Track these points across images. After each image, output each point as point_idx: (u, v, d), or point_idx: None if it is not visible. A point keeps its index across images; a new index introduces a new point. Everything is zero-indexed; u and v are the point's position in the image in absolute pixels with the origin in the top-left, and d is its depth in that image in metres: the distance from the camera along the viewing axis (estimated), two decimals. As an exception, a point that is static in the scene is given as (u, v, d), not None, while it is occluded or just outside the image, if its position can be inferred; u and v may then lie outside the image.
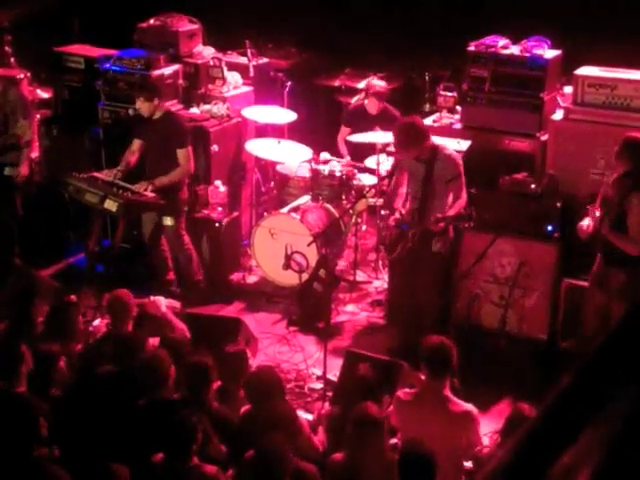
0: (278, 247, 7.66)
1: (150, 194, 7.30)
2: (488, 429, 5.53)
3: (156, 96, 7.36)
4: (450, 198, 6.48)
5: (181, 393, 5.28)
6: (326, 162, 8.26)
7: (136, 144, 7.61)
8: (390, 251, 6.84)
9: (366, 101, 8.45)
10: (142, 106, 7.36)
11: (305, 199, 8.18)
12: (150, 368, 5.22)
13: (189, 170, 7.50)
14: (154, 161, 7.53)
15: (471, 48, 7.44)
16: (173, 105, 8.07)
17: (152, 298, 6.62)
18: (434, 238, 6.50)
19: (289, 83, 8.94)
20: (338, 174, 8.05)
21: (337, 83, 9.37)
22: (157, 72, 8.04)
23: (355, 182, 8.10)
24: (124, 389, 5.20)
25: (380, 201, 7.87)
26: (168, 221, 7.57)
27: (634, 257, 6.01)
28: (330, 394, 6.19)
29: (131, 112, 7.45)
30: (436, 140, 6.73)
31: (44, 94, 9.02)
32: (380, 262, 8.24)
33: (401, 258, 6.72)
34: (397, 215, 6.64)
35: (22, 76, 8.43)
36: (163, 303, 6.47)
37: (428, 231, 6.45)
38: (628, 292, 6.06)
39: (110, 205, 7.12)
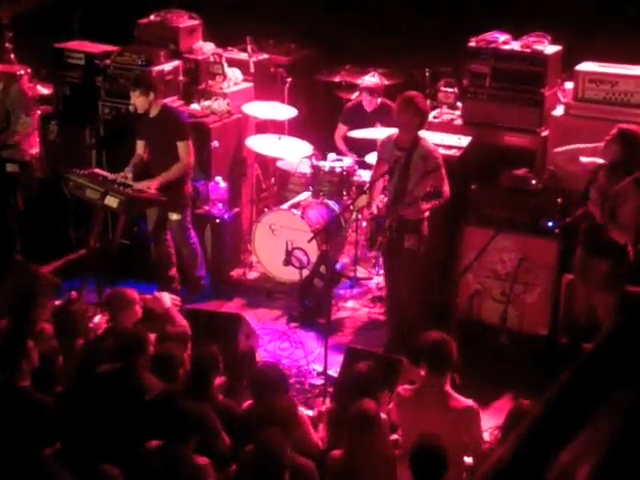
0: (279, 243, 7.67)
1: (152, 190, 7.30)
2: (489, 425, 5.54)
3: (152, 91, 7.32)
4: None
5: (186, 385, 5.29)
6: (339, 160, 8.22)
7: (140, 146, 7.59)
8: (370, 245, 6.87)
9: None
10: (137, 100, 7.31)
11: (305, 195, 8.18)
12: (164, 362, 5.26)
13: (189, 163, 7.47)
14: (158, 159, 7.51)
15: (472, 44, 7.44)
16: (174, 101, 8.07)
17: (156, 294, 6.63)
18: (407, 233, 6.50)
19: (289, 79, 8.94)
20: (338, 170, 8.05)
21: (337, 79, 9.35)
22: (157, 68, 8.04)
23: (355, 178, 8.10)
24: (127, 386, 5.20)
25: (381, 197, 7.86)
26: (174, 216, 7.57)
27: (618, 246, 6.02)
28: (330, 390, 6.20)
29: (131, 108, 7.44)
30: (421, 133, 6.69)
31: (44, 90, 9.01)
32: (380, 258, 8.23)
33: (385, 252, 6.78)
34: (374, 208, 6.67)
35: (22, 72, 8.43)
36: (167, 299, 6.48)
37: (403, 222, 6.46)
38: (611, 282, 6.09)
39: (111, 201, 7.11)
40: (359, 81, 8.69)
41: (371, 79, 8.42)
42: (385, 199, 6.82)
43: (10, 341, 5.35)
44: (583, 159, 6.25)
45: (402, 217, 6.47)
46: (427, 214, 6.56)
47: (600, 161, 6.16)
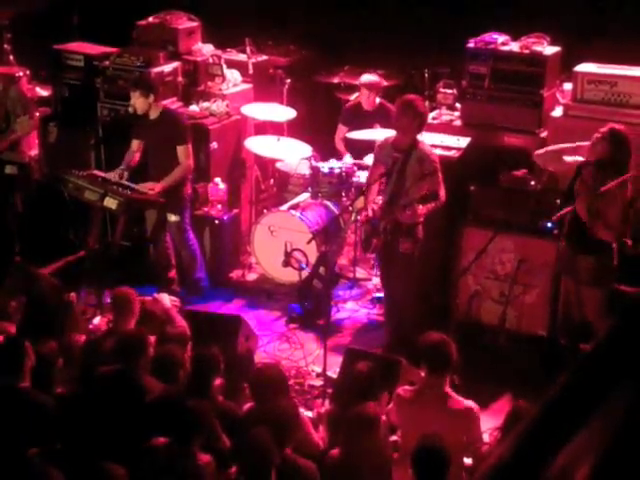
0: (278, 244, 7.67)
1: (151, 192, 7.31)
2: (488, 426, 5.53)
3: (152, 92, 7.33)
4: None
5: (187, 386, 5.29)
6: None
7: (135, 144, 7.60)
8: (365, 248, 6.88)
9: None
10: (137, 101, 7.32)
11: (304, 196, 8.18)
12: (163, 363, 5.27)
13: (189, 166, 7.50)
14: (157, 161, 7.52)
15: (470, 45, 7.44)
16: (173, 103, 8.07)
17: (155, 295, 6.62)
18: (402, 237, 6.50)
19: (288, 80, 8.94)
20: (337, 171, 8.05)
21: (336, 80, 9.35)
22: (156, 69, 8.04)
23: (354, 179, 8.09)
24: (127, 387, 5.20)
25: (379, 198, 7.86)
26: (173, 217, 7.58)
27: (604, 242, 6.02)
28: (330, 391, 6.20)
29: (131, 110, 7.44)
30: (420, 136, 6.68)
31: (43, 92, 9.01)
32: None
33: (380, 254, 6.78)
34: (369, 211, 6.67)
35: (21, 74, 8.43)
36: (166, 300, 6.48)
37: (398, 225, 6.46)
38: (598, 277, 6.09)
39: (110, 203, 7.12)
40: (358, 81, 8.70)
41: (370, 76, 8.43)
42: (381, 201, 6.81)
43: (12, 341, 5.35)
44: (567, 158, 6.25)
45: (397, 220, 6.46)
46: (422, 219, 6.54)
47: (581, 159, 6.15)
